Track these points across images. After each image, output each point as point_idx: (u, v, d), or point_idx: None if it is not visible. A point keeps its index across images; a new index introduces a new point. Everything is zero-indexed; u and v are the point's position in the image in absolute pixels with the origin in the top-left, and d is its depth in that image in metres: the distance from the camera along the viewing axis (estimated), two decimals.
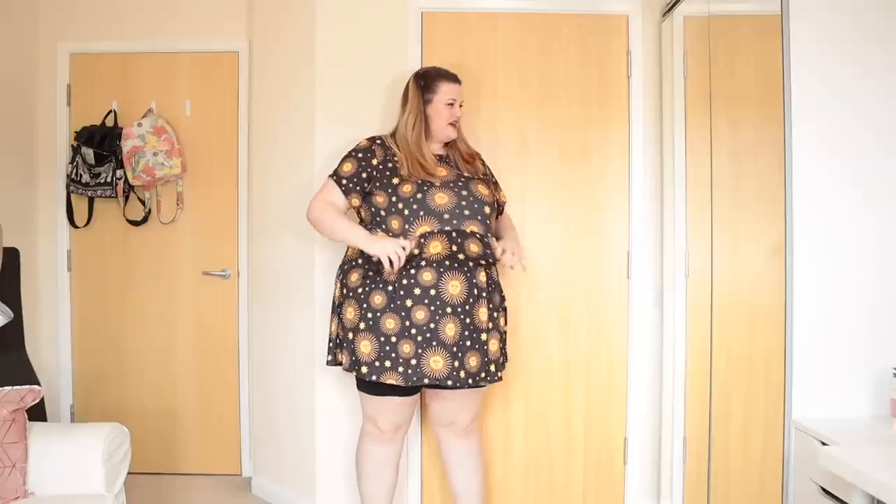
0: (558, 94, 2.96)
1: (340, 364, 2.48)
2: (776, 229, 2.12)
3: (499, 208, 2.66)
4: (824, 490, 1.86)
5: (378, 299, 2.37)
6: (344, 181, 2.48)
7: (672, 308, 2.83)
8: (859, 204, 2.06)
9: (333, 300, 2.52)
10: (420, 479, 2.97)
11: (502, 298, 2.54)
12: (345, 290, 2.46)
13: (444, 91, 2.51)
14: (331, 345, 2.51)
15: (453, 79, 2.56)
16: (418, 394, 2.51)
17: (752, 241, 2.34)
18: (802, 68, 2.05)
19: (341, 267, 2.52)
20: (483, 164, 2.65)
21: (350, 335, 2.41)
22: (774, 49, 2.09)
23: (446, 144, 2.58)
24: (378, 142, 2.53)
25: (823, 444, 1.87)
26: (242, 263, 3.48)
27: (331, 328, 2.51)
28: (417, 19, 2.92)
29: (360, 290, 2.41)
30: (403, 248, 2.32)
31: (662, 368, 2.92)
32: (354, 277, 2.43)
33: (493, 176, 2.67)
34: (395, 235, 2.39)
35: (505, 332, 2.55)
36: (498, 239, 2.61)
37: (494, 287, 2.48)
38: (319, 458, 2.94)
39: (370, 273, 2.40)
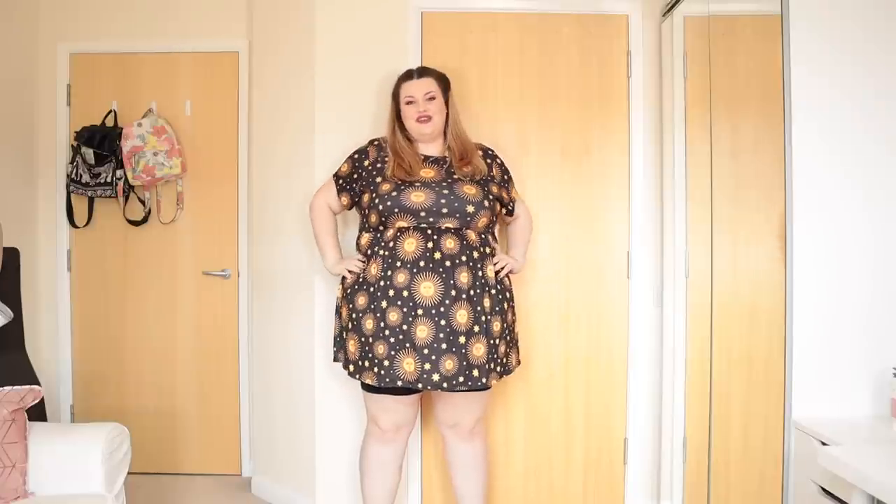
0: (558, 94, 2.96)
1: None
2: (776, 229, 2.12)
3: (505, 206, 2.61)
4: (824, 490, 1.86)
5: (361, 300, 2.42)
6: (340, 181, 2.60)
7: (672, 308, 2.83)
8: (859, 204, 2.06)
9: (336, 300, 2.56)
10: (420, 481, 2.97)
11: (502, 300, 2.47)
12: (343, 291, 2.52)
13: (402, 91, 2.54)
14: (334, 346, 2.56)
15: (411, 76, 2.56)
16: (417, 395, 2.51)
17: (752, 241, 2.34)
18: (802, 68, 2.05)
19: None
20: (492, 161, 2.60)
21: (344, 334, 2.49)
22: (774, 49, 2.09)
23: (446, 145, 2.57)
24: (376, 143, 2.61)
25: (823, 444, 1.87)
26: (242, 263, 3.48)
27: (334, 327, 2.56)
28: (417, 19, 2.92)
29: (349, 291, 2.48)
30: (356, 265, 2.47)
31: (662, 369, 2.92)
32: (349, 279, 2.50)
33: (503, 174, 2.61)
34: (374, 228, 2.46)
35: (506, 338, 2.48)
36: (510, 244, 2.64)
37: (485, 288, 2.41)
38: (320, 458, 2.94)
39: (359, 275, 2.46)
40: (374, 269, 2.41)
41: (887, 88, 2.06)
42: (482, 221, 2.45)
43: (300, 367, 3.02)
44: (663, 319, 2.92)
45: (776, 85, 2.09)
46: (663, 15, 2.90)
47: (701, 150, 2.56)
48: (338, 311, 2.54)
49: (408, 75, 2.57)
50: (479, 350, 2.36)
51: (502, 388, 2.90)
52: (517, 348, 2.58)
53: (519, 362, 2.59)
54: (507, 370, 2.50)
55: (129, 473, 2.36)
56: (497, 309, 2.43)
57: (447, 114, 2.56)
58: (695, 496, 2.63)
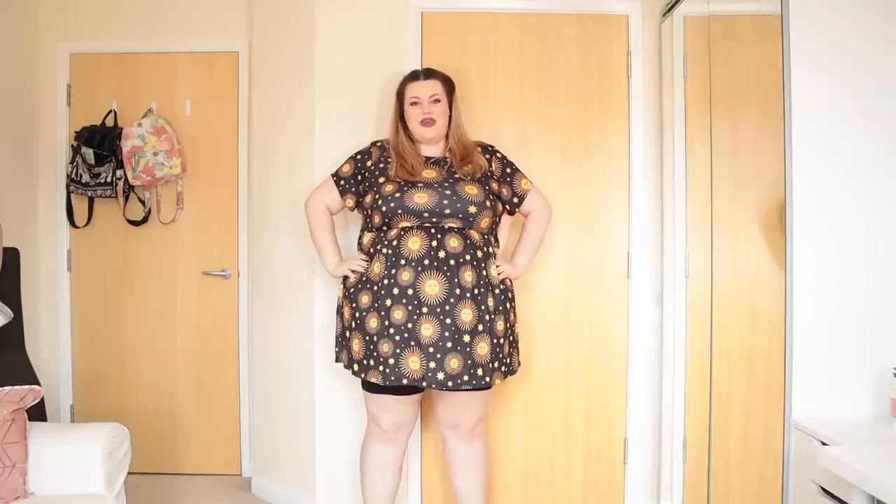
0: (558, 94, 2.96)
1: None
2: (776, 229, 2.12)
3: (507, 204, 2.60)
4: (824, 490, 1.86)
5: (364, 299, 2.42)
6: (342, 181, 2.59)
7: (672, 308, 2.83)
8: (859, 204, 2.06)
9: (337, 300, 2.55)
10: (420, 481, 2.97)
11: (505, 300, 2.47)
12: (345, 291, 2.52)
13: (407, 92, 2.53)
14: (336, 347, 2.56)
15: (417, 76, 2.55)
16: (418, 395, 2.51)
17: (751, 241, 2.34)
18: (802, 68, 2.05)
19: None
20: (491, 156, 2.59)
21: (347, 333, 2.49)
22: (774, 49, 2.09)
23: (447, 146, 2.57)
24: (378, 144, 2.62)
25: (823, 444, 1.87)
26: (242, 263, 3.48)
27: (336, 327, 2.56)
28: (417, 19, 2.92)
29: (352, 291, 2.47)
30: (359, 265, 2.47)
31: (662, 368, 2.92)
32: (352, 278, 2.49)
33: (504, 168, 2.59)
34: (377, 229, 2.46)
35: (509, 338, 2.48)
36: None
37: (488, 288, 2.42)
38: (319, 458, 2.95)
39: (362, 275, 2.46)
40: (377, 268, 2.41)
41: (887, 88, 2.06)
42: (485, 222, 2.45)
43: (300, 367, 3.02)
44: (663, 319, 2.92)
45: (776, 85, 2.09)
46: (663, 15, 2.90)
47: (701, 149, 2.56)
48: (339, 311, 2.54)
49: (414, 76, 2.56)
50: (483, 349, 2.37)
51: (503, 387, 2.90)
52: (518, 349, 2.58)
53: (519, 363, 2.59)
54: (510, 370, 2.50)
55: (129, 473, 2.36)
56: (500, 308, 2.44)
57: (450, 116, 2.55)
58: (695, 496, 2.63)
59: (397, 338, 2.35)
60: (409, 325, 2.35)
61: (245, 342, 3.48)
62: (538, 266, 2.93)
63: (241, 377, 3.49)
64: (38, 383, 2.39)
